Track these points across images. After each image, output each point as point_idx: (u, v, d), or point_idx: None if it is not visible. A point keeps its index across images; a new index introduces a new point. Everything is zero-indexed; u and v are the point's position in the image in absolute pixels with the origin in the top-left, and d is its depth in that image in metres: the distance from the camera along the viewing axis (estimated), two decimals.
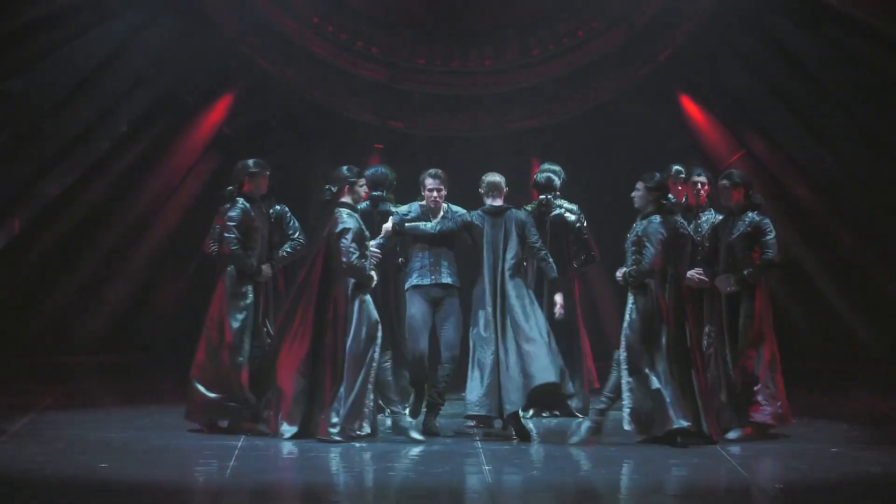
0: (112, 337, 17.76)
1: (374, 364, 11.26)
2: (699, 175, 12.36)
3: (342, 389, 11.15)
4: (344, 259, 11.21)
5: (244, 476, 9.83)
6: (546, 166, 12.99)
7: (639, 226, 11.34)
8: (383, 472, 10.02)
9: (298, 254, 12.00)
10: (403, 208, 12.32)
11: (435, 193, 12.15)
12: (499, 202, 12.10)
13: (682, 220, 12.40)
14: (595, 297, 17.67)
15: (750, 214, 11.51)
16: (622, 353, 11.30)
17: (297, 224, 12.02)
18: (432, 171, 12.25)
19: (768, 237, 11.44)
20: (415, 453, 10.76)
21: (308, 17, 17.35)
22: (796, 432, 11.91)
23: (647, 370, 11.15)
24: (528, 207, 12.63)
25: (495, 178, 12.19)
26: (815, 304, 17.61)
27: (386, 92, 17.56)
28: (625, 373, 11.24)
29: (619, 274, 11.49)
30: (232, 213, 11.68)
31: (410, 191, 12.96)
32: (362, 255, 11.29)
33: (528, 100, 17.60)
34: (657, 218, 11.30)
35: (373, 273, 11.39)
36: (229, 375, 11.53)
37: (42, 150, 17.35)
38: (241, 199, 11.74)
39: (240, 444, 11.01)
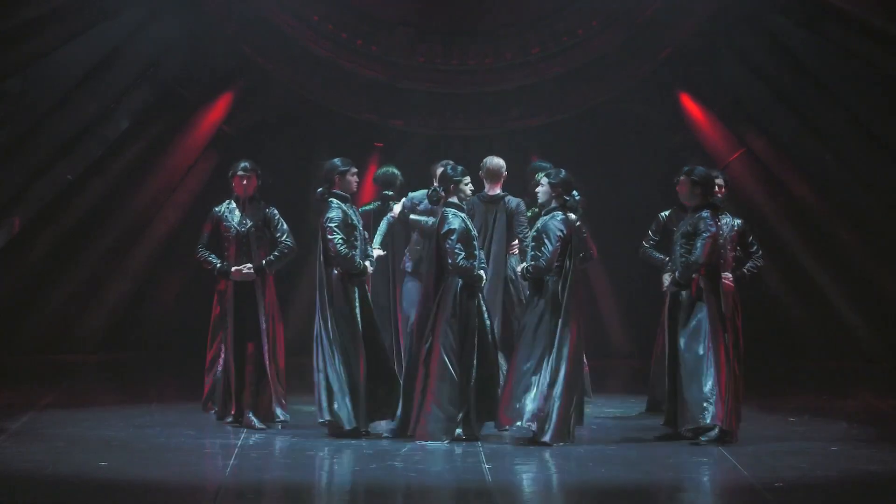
0: (112, 336, 17.75)
1: (456, 370, 11.21)
2: (716, 177, 12.20)
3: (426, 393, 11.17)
4: (450, 260, 11.19)
5: (244, 475, 9.83)
6: (539, 164, 12.97)
7: (540, 222, 11.34)
8: (383, 471, 10.02)
9: (287, 257, 11.93)
10: (417, 194, 12.47)
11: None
12: (496, 190, 12.18)
13: None
14: (595, 295, 17.67)
15: (699, 214, 11.45)
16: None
17: (285, 226, 11.98)
18: (444, 162, 12.26)
19: (698, 238, 11.28)
20: (415, 452, 10.76)
21: (308, 15, 17.34)
22: (796, 431, 11.92)
23: (527, 366, 11.13)
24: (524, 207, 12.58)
25: (495, 163, 12.25)
26: (815, 302, 17.60)
27: (386, 90, 17.55)
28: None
29: (518, 269, 11.53)
30: (331, 214, 11.46)
31: (410, 189, 13.05)
32: (469, 256, 11.26)
33: (528, 98, 17.58)
34: (559, 214, 11.25)
35: (482, 273, 11.37)
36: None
37: (41, 149, 17.34)
38: (334, 200, 11.57)
39: (239, 442, 11.02)
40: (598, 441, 11.36)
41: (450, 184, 11.44)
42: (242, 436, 11.30)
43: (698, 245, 11.22)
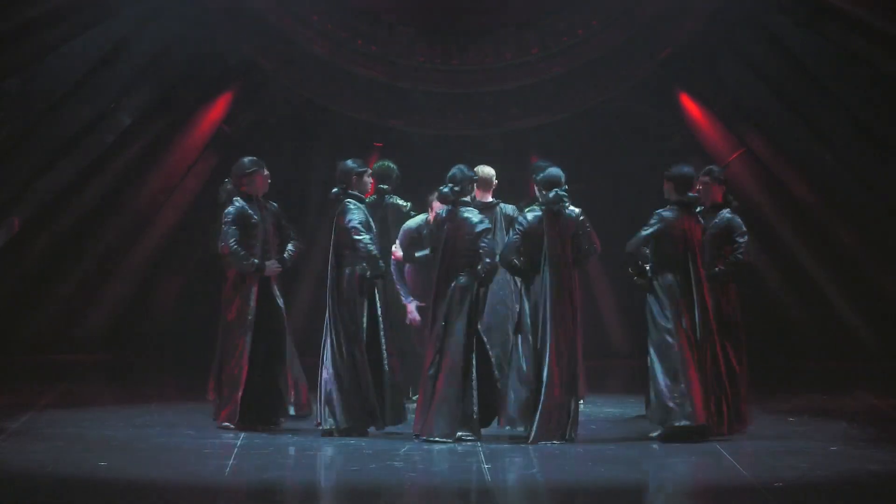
0: (112, 336, 17.74)
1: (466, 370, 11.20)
2: (706, 173, 12.17)
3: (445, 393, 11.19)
4: (488, 259, 11.19)
5: (244, 474, 9.83)
6: (540, 164, 12.97)
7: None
8: (383, 470, 10.02)
9: (301, 251, 12.04)
10: (412, 222, 12.47)
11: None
12: (488, 197, 12.24)
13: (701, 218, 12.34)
14: (595, 295, 17.67)
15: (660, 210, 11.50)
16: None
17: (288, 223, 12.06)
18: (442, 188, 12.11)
19: (643, 229, 11.42)
20: (414, 452, 10.76)
21: (308, 15, 17.33)
22: (796, 431, 11.91)
23: (521, 366, 11.17)
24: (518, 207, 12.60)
25: (486, 172, 12.31)
26: (815, 302, 17.60)
27: (385, 90, 17.54)
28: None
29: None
30: (352, 216, 11.46)
31: (410, 188, 13.07)
32: None
33: (527, 98, 17.58)
34: (535, 210, 11.33)
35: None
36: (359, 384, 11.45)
37: (41, 149, 17.34)
38: (351, 201, 11.57)
39: (239, 442, 11.02)
40: (598, 441, 11.36)
41: (467, 183, 11.44)
42: (242, 436, 11.30)
43: (636, 234, 11.31)
